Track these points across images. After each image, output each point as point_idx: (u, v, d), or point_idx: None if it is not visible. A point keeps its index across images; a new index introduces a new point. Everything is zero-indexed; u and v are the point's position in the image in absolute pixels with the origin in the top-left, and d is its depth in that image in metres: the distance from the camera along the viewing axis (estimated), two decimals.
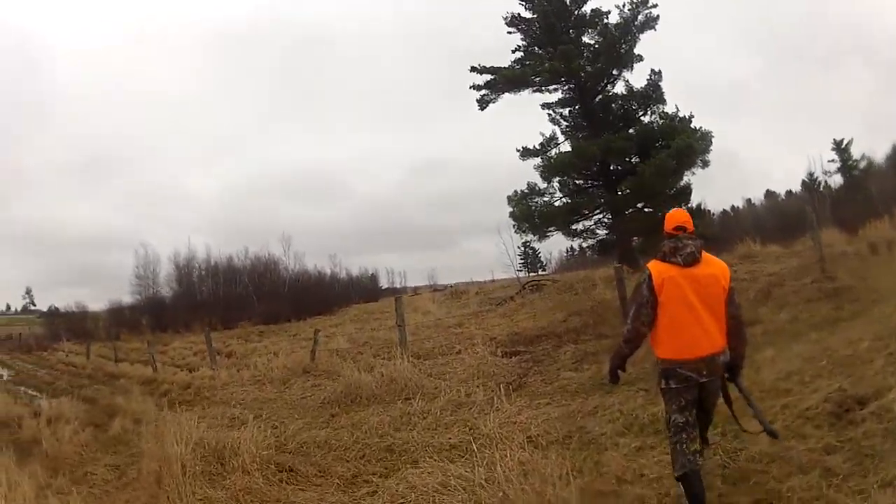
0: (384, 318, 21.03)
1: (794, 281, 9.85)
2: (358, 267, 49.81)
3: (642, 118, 21.64)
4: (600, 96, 22.04)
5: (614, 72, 21.54)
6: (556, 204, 21.80)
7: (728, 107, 57.91)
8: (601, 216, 22.21)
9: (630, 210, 21.59)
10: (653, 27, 20.74)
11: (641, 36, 20.98)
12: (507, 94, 21.99)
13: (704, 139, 20.25)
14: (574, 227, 22.12)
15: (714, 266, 3.49)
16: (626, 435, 5.03)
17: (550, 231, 21.83)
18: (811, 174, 33.52)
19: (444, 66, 66.56)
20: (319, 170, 68.96)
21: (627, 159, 20.75)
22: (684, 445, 3.40)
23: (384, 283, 48.38)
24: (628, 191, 20.92)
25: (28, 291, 38.36)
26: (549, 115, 22.63)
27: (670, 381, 3.45)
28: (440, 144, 69.36)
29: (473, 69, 21.79)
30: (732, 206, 39.49)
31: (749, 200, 42.43)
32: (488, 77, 21.73)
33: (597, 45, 21.43)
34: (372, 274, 47.15)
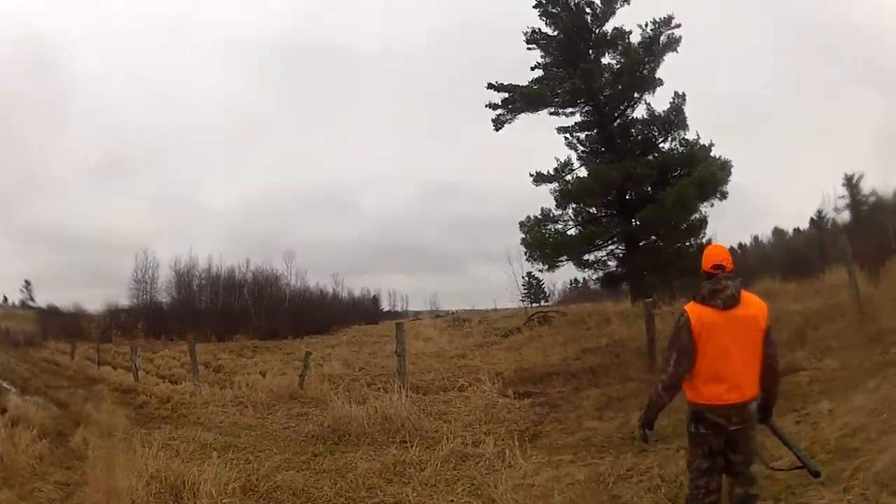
0: (383, 343, 20.25)
1: (829, 323, 9.32)
2: (360, 287, 48.61)
3: (662, 145, 20.73)
4: (619, 120, 21.16)
5: (635, 94, 20.72)
6: (570, 233, 20.88)
7: (737, 137, 56.80)
8: (614, 247, 21.28)
9: (643, 242, 20.63)
10: (675, 49, 19.98)
11: (664, 58, 20.26)
12: (523, 115, 21.23)
13: (724, 168, 19.37)
14: (586, 257, 21.12)
15: (754, 307, 3.34)
16: None
17: (561, 261, 20.84)
18: (820, 212, 32.40)
19: (469, 87, 65.96)
20: (331, 186, 68.43)
21: (647, 188, 19.81)
22: (702, 492, 3.29)
23: (386, 305, 47.28)
24: (641, 222, 19.93)
25: (27, 285, 37.25)
26: (566, 139, 21.72)
27: (699, 426, 3.32)
28: (456, 166, 68.56)
29: (491, 86, 21.05)
30: (740, 243, 38.49)
31: (756, 238, 41.44)
32: (505, 95, 21.01)
33: (619, 66, 20.66)
34: (374, 296, 46.07)
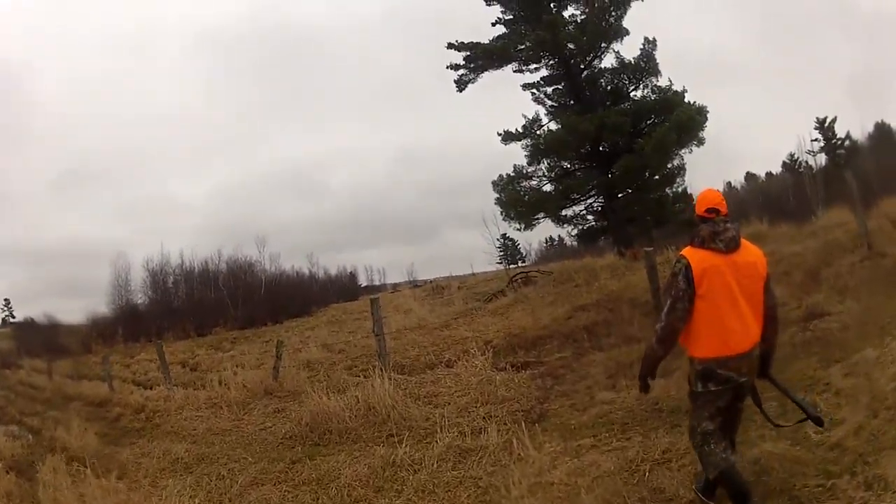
0: (363, 320, 19.37)
1: (838, 260, 8.92)
2: (337, 265, 48.09)
3: (634, 93, 20.01)
4: (587, 71, 20.32)
5: (603, 44, 19.80)
6: (546, 189, 20.16)
7: (704, 81, 56.59)
8: (592, 201, 20.58)
9: (622, 194, 19.96)
10: None
11: (630, 5, 19.32)
12: (486, 73, 20.27)
13: (701, 114, 18.72)
14: (564, 213, 20.40)
15: (752, 253, 3.19)
16: None
17: (538, 219, 20.11)
18: (793, 155, 32.19)
19: (429, 53, 64.56)
20: (298, 166, 67.25)
21: (621, 138, 19.02)
22: (712, 446, 3.09)
23: (363, 280, 46.71)
24: (620, 172, 19.20)
25: (7, 303, 35.78)
26: (533, 94, 20.80)
27: (709, 384, 3.10)
28: (420, 134, 67.67)
29: (451, 45, 19.96)
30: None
31: (729, 183, 41.30)
32: (467, 53, 19.94)
33: (583, 16, 19.69)
34: (351, 272, 45.40)
